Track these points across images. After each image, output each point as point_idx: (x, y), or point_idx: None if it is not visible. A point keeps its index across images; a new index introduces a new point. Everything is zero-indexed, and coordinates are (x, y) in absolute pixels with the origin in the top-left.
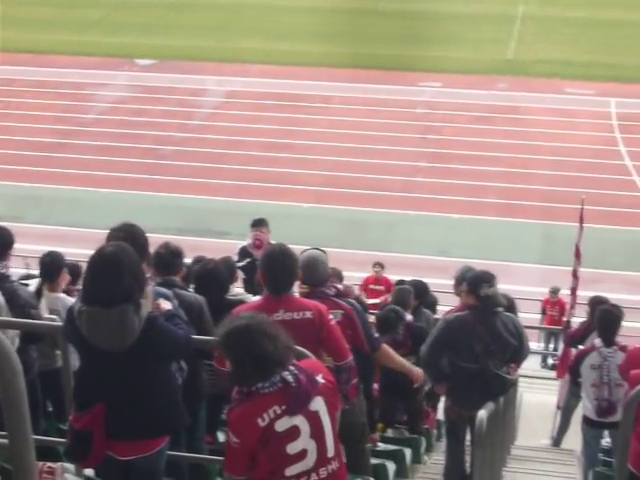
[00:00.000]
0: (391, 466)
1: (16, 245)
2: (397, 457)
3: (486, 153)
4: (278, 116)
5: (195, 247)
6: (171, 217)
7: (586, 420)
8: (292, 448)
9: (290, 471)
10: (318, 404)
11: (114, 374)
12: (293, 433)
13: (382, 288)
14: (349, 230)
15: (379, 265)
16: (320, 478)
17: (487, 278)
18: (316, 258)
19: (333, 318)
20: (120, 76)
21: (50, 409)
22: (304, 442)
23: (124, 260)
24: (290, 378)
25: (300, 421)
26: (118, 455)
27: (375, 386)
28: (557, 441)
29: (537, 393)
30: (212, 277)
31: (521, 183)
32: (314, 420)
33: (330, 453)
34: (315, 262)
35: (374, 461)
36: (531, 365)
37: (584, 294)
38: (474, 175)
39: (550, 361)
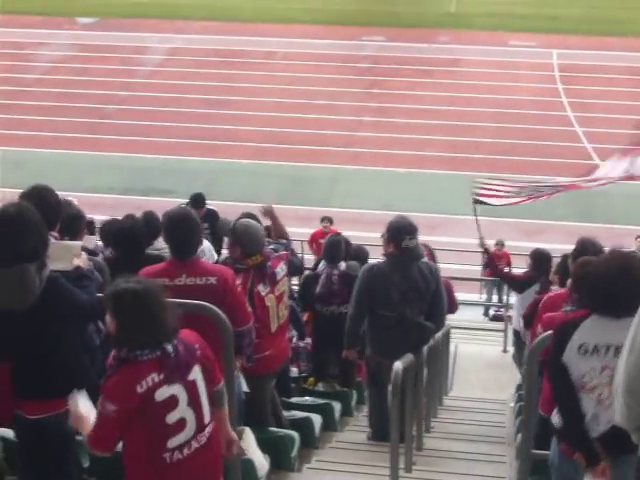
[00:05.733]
0: (317, 419)
1: None
2: (325, 411)
3: (429, 106)
4: (219, 72)
5: (140, 206)
6: (115, 176)
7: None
8: (170, 418)
9: (172, 442)
10: (195, 373)
11: (17, 333)
12: (171, 402)
13: None
14: (292, 186)
15: (327, 220)
16: (200, 444)
17: (410, 230)
18: (257, 227)
19: (281, 272)
20: (61, 35)
21: None
22: (182, 411)
23: (24, 219)
24: (169, 348)
25: (178, 390)
26: (27, 413)
27: (308, 340)
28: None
29: (476, 344)
30: (128, 235)
31: (464, 136)
32: (191, 389)
33: (207, 419)
34: (257, 231)
35: (300, 415)
36: (473, 316)
37: (528, 245)
38: (417, 129)
39: (491, 312)
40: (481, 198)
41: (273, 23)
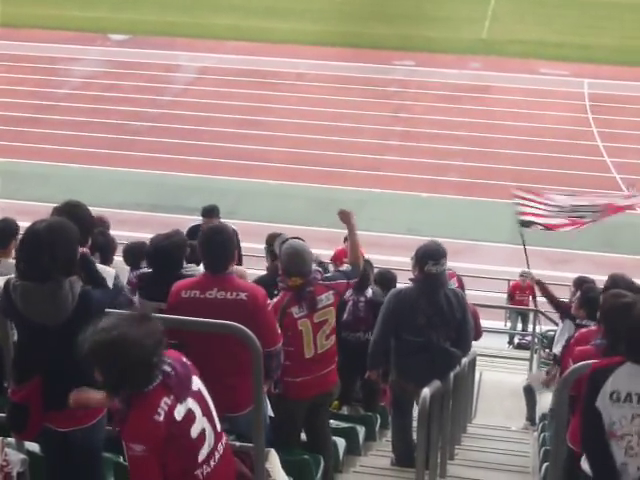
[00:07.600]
0: (341, 443)
1: None
2: (349, 434)
3: (457, 132)
4: (250, 93)
5: (166, 223)
6: (143, 193)
7: None
8: (194, 431)
9: (201, 455)
10: (196, 383)
11: (50, 348)
12: (190, 416)
13: None
14: (318, 207)
15: None
16: (221, 454)
17: (434, 255)
18: (303, 249)
19: (325, 300)
20: (93, 51)
21: None
22: (200, 421)
23: (57, 235)
24: (167, 368)
25: (191, 403)
26: (55, 426)
27: None
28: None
29: (500, 372)
30: (164, 253)
31: (490, 162)
32: (200, 398)
33: (219, 428)
34: (303, 253)
35: None
36: (498, 344)
37: (553, 274)
38: (443, 154)
39: (516, 340)
40: (524, 217)
41: (304, 45)
